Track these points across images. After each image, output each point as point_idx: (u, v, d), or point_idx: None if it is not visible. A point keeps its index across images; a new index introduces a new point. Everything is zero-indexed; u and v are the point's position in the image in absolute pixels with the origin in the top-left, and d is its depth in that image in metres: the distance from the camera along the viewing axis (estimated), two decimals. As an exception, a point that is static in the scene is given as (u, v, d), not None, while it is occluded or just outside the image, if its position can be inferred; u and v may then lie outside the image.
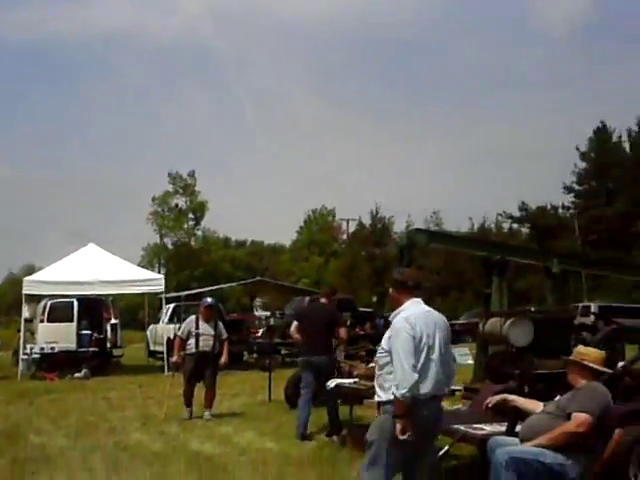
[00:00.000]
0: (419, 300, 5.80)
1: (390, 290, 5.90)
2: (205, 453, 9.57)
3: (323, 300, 10.93)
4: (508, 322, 7.72)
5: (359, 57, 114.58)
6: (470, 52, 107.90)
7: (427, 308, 5.80)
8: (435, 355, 5.57)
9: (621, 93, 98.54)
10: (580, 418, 5.90)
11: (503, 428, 6.93)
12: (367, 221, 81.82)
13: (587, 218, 67.85)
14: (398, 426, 5.40)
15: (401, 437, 5.37)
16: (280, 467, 8.61)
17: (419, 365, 5.47)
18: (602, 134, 71.10)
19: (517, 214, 74.46)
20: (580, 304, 36.30)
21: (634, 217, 68.18)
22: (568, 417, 5.99)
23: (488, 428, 7.05)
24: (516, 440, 6.29)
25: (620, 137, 71.77)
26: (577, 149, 71.75)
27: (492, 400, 6.78)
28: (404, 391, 5.35)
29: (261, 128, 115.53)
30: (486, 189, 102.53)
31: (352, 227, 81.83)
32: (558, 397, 6.46)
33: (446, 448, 6.94)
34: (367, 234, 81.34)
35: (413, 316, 5.60)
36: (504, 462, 5.87)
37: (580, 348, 6.60)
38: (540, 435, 6.02)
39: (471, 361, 21.75)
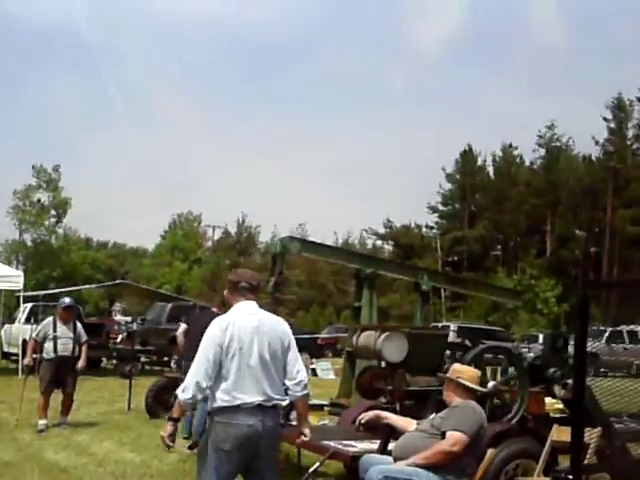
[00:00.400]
0: (251, 303, 5.26)
1: (225, 291, 5.47)
2: (61, 464, 9.02)
3: (214, 309, 10.62)
4: (382, 336, 7.59)
5: (234, 60, 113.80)
6: (340, 64, 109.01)
7: (256, 311, 5.23)
8: (254, 362, 5.02)
9: (488, 117, 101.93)
10: (455, 437, 5.82)
11: (375, 446, 6.81)
12: (233, 229, 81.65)
13: (449, 239, 69.76)
14: (168, 428, 5.13)
15: (167, 442, 5.16)
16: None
17: (228, 372, 5.00)
18: (468, 157, 73.16)
19: (382, 231, 75.73)
20: (439, 324, 37.22)
21: (494, 241, 70.70)
22: (443, 436, 5.91)
23: (359, 445, 6.92)
24: (389, 459, 6.16)
25: (485, 161, 74.07)
26: (443, 170, 73.65)
27: (365, 416, 6.63)
28: (186, 396, 4.96)
29: (130, 124, 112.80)
30: (351, 205, 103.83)
31: (217, 234, 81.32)
32: (433, 415, 6.38)
33: (316, 465, 6.71)
34: (232, 242, 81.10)
35: (229, 319, 5.15)
36: (377, 480, 5.72)
37: (456, 366, 6.56)
38: (414, 454, 5.90)
39: (333, 376, 21.79)
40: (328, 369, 23.51)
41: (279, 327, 5.24)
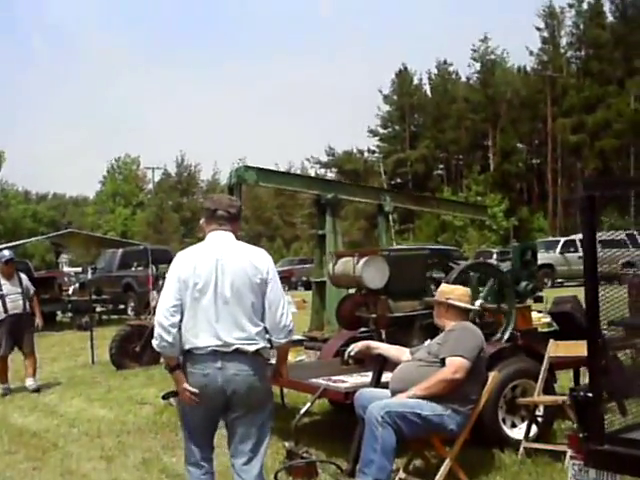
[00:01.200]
0: (226, 233, 4.61)
1: (201, 220, 4.76)
2: (31, 428, 8.50)
3: None
4: (362, 262, 7.15)
5: None
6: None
7: (226, 243, 4.57)
8: (207, 301, 4.39)
9: (421, 35, 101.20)
10: (455, 363, 5.48)
11: (367, 379, 6.46)
12: (173, 170, 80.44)
13: (392, 162, 69.44)
14: (177, 378, 4.49)
15: (187, 397, 4.42)
16: (118, 437, 7.80)
17: (186, 312, 4.41)
18: (403, 77, 72.61)
19: (324, 159, 75.13)
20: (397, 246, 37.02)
21: (437, 160, 70.63)
22: (442, 363, 5.57)
23: (350, 380, 6.55)
24: (386, 392, 5.82)
25: (421, 80, 73.66)
26: (380, 92, 72.99)
27: (354, 347, 6.27)
28: (155, 342, 4.44)
29: (53, 67, 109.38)
30: (290, 135, 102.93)
31: (157, 176, 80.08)
32: (428, 342, 6.03)
33: (307, 406, 6.36)
34: (173, 183, 79.98)
35: (192, 251, 4.60)
36: (379, 418, 5.34)
37: (444, 287, 6.18)
38: (413, 385, 5.56)
39: (295, 309, 21.47)
40: (289, 303, 23.19)
41: (250, 261, 4.48)
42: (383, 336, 7.22)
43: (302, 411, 6.35)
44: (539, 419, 6.71)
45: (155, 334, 4.42)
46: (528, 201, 62.83)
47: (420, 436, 5.53)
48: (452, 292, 5.99)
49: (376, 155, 73.95)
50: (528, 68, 67.09)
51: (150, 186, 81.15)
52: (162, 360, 4.73)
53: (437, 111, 69.11)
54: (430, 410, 5.46)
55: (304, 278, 37.56)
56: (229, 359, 4.37)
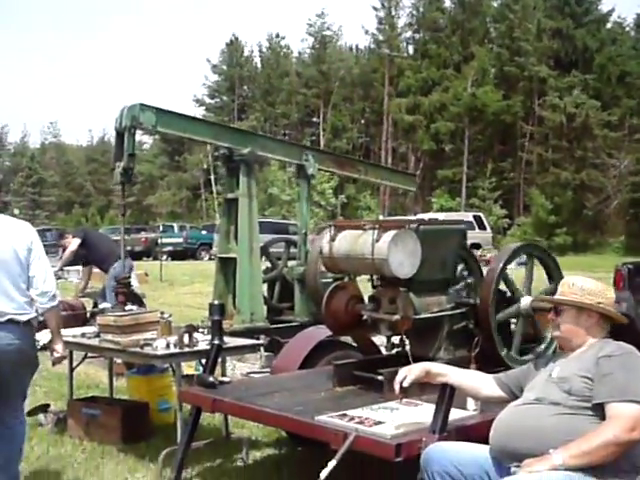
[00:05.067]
0: None
1: None
2: None
3: None
4: (387, 238, 4.72)
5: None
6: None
7: None
8: None
9: (253, 6, 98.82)
10: (631, 414, 3.26)
11: (414, 415, 4.15)
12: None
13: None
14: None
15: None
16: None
17: None
18: (234, 47, 70.45)
19: (145, 126, 71.45)
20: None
21: (266, 133, 68.59)
22: (596, 410, 3.35)
23: (383, 417, 4.18)
24: (483, 453, 3.60)
25: (252, 52, 71.73)
26: (208, 61, 70.46)
27: (408, 374, 3.89)
28: None
29: None
30: (106, 101, 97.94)
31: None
32: (551, 365, 3.75)
33: (331, 465, 3.89)
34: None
35: None
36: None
37: (582, 283, 3.81)
38: (549, 446, 3.29)
39: (137, 283, 18.49)
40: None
41: (15, 234, 4.63)
42: (407, 347, 4.86)
43: (323, 474, 3.86)
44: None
45: None
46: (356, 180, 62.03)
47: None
48: (602, 294, 3.71)
49: (202, 125, 71.03)
50: (362, 47, 66.47)
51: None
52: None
53: (268, 84, 67.24)
54: (589, 493, 3.22)
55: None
56: (1, 329, 4.43)
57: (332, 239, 5.12)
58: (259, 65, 71.98)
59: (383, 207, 55.57)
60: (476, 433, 4.06)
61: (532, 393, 3.61)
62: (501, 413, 3.67)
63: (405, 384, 3.87)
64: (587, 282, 3.75)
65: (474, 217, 34.50)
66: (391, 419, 4.16)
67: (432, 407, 4.29)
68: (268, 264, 9.98)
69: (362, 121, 64.92)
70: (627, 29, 57.84)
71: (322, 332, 5.93)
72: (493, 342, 5.05)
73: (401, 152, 60.02)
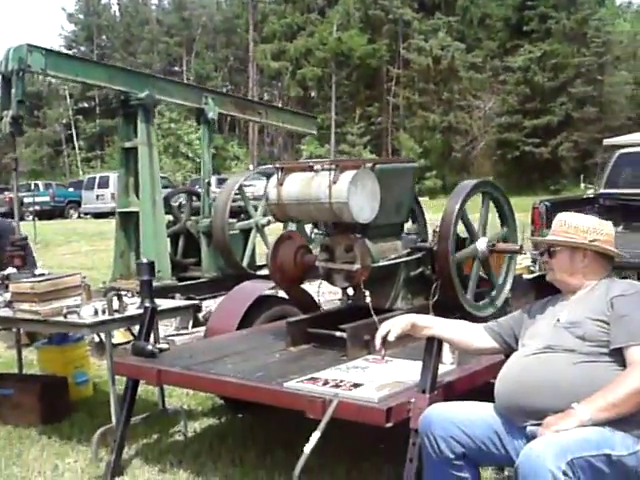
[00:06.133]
0: None
1: None
2: None
3: None
4: (345, 178, 4.25)
5: None
6: None
7: None
8: None
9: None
10: (657, 356, 2.98)
11: (397, 375, 3.76)
12: None
13: (79, 85, 64.00)
14: None
15: None
16: None
17: None
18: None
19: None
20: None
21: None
22: (614, 355, 3.06)
23: (362, 379, 3.78)
24: (488, 410, 3.29)
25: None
26: (63, 10, 67.33)
27: (393, 328, 3.48)
28: None
29: None
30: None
31: None
32: (551, 309, 3.42)
33: (316, 436, 3.45)
34: None
35: None
36: (559, 474, 2.72)
37: (576, 221, 3.49)
38: (576, 399, 2.95)
39: None
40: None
41: None
42: (368, 299, 4.44)
43: (307, 450, 3.44)
44: None
45: None
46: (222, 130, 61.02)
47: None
48: (597, 230, 3.39)
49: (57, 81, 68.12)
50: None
51: None
52: None
53: (127, 33, 64.86)
54: (624, 447, 2.92)
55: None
56: None
57: (280, 183, 4.61)
58: (117, 13, 69.34)
59: (252, 156, 54.83)
60: (459, 390, 3.74)
61: (538, 341, 3.25)
62: (506, 365, 3.32)
63: (390, 338, 3.47)
64: (582, 219, 3.42)
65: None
66: (368, 380, 3.75)
67: (405, 363, 3.98)
68: (170, 218, 9.36)
69: (226, 69, 63.63)
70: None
71: (257, 287, 5.47)
72: (453, 288, 4.70)
73: (267, 99, 59.24)
